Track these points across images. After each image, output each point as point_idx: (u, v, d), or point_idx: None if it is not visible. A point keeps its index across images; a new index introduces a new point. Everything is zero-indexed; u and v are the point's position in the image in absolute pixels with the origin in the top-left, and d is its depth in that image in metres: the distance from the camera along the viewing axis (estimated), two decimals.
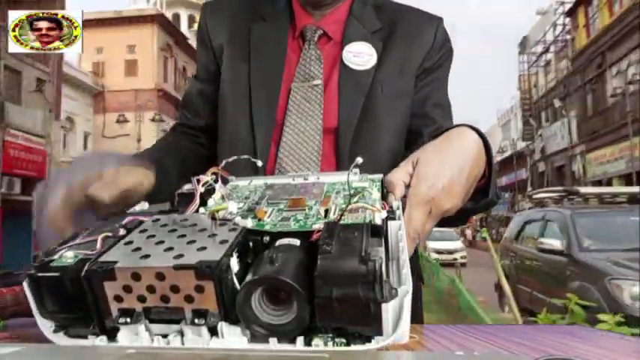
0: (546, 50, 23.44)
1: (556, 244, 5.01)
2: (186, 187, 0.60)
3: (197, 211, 0.55)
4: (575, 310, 1.97)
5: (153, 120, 21.56)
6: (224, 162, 0.63)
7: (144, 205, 0.61)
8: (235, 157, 0.65)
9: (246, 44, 0.93)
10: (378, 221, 0.47)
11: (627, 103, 14.11)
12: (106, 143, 22.74)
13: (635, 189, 6.20)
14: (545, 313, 2.00)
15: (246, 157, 0.68)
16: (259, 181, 0.67)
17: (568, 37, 20.46)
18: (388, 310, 0.41)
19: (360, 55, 0.89)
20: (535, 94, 25.31)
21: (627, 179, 14.26)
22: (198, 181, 0.57)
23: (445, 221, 0.64)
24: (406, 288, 0.42)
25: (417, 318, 0.89)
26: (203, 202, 0.58)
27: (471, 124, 0.69)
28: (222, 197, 0.59)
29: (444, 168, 0.61)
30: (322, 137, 0.85)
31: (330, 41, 0.92)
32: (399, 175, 0.61)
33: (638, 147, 13.97)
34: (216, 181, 0.60)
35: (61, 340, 0.46)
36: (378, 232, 0.46)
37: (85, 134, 22.01)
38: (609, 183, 15.43)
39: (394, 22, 0.93)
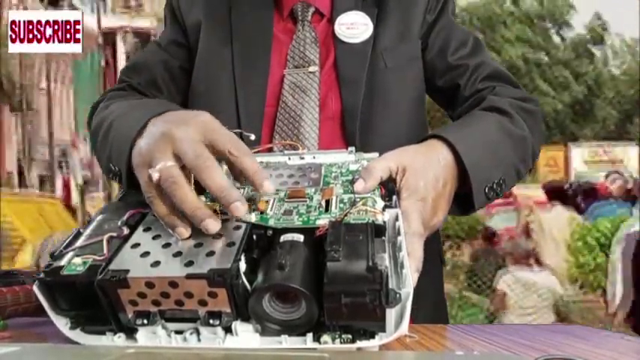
0: None
1: None
2: None
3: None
4: None
5: None
6: None
7: None
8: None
9: (227, 23, 0.83)
10: (380, 221, 0.48)
11: None
12: None
13: None
14: None
15: (238, 131, 0.64)
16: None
17: None
18: (392, 312, 0.43)
19: (354, 26, 0.81)
20: None
21: None
22: None
23: None
24: (407, 290, 0.44)
25: (439, 296, 0.85)
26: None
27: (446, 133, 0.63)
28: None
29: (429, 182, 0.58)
30: (319, 131, 0.77)
31: (323, 18, 0.84)
32: (379, 168, 0.56)
33: None
34: None
35: (77, 336, 0.46)
36: (380, 231, 0.47)
37: None
38: None
39: None
